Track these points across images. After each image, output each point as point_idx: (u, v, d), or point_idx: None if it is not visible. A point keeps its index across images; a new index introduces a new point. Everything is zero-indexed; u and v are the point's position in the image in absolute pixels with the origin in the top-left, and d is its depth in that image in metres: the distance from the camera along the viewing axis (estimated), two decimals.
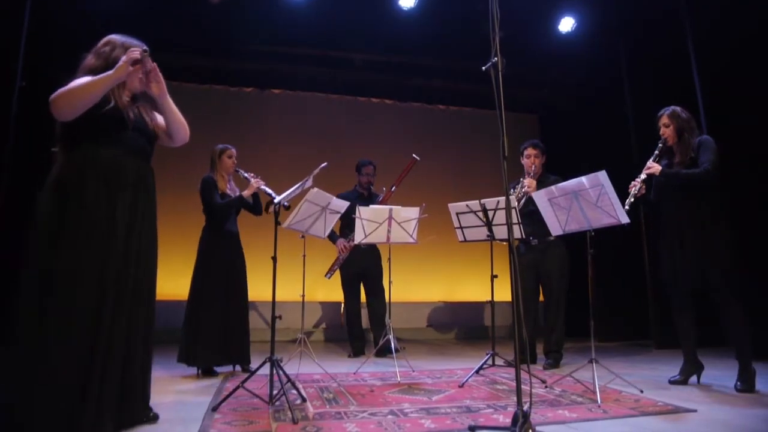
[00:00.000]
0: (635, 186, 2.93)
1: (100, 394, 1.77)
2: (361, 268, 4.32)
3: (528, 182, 3.58)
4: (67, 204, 1.81)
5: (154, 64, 1.97)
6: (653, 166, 2.93)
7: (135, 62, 1.89)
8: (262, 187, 3.37)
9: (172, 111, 2.09)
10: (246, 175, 3.45)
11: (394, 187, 4.28)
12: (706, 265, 2.81)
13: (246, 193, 3.43)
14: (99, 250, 1.82)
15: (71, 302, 1.76)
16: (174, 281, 5.20)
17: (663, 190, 3.01)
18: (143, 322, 1.97)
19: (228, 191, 3.51)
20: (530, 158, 3.73)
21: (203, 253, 3.41)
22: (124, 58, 1.86)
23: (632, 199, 2.88)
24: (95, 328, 1.78)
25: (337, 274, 4.41)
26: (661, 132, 3.01)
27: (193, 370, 3.37)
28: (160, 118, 2.13)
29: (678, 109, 3.01)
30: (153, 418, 2.07)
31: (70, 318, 1.75)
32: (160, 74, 2.00)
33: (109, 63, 1.93)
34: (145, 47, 1.94)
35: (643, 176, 2.94)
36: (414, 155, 4.18)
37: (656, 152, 2.99)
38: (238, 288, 3.43)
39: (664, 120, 3.01)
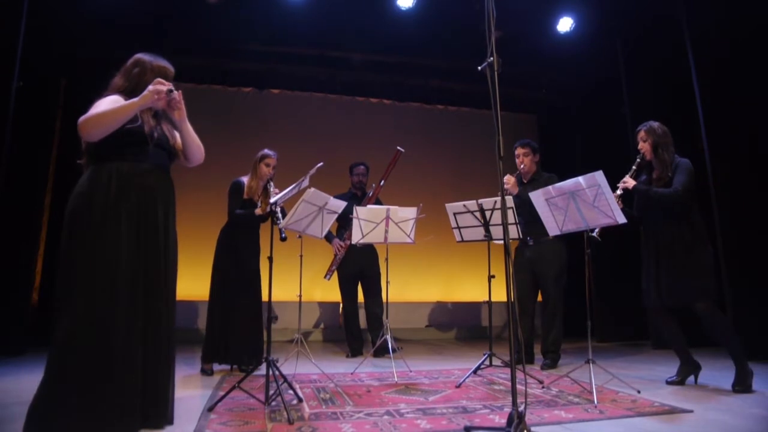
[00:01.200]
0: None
1: (122, 394, 1.80)
2: (358, 268, 4.33)
3: (507, 179, 3.52)
4: (92, 216, 1.87)
5: (179, 93, 2.01)
6: (628, 182, 2.98)
7: (159, 93, 1.94)
8: (276, 210, 3.30)
9: (190, 135, 2.14)
10: (271, 190, 3.27)
11: (382, 181, 4.28)
12: (683, 286, 2.82)
13: (257, 211, 3.40)
14: (122, 259, 1.87)
15: (94, 308, 1.80)
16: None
17: (645, 208, 3.03)
18: (167, 327, 2.00)
19: (254, 200, 3.46)
20: (519, 157, 3.78)
21: (220, 253, 3.45)
22: (150, 87, 1.92)
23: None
24: (126, 335, 1.83)
25: (336, 275, 4.41)
26: (639, 147, 3.07)
27: (194, 370, 3.38)
28: (179, 138, 2.19)
29: (655, 124, 3.05)
30: None
31: (92, 321, 1.79)
32: (182, 102, 2.05)
33: (138, 86, 2.00)
34: (172, 88, 1.99)
35: (618, 191, 2.96)
36: (398, 147, 4.17)
37: (633, 167, 3.04)
38: (253, 288, 3.43)
39: (642, 135, 3.06)
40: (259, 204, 3.46)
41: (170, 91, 1.97)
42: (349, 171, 4.56)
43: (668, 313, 2.97)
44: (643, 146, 3.04)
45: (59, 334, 1.78)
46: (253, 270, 3.46)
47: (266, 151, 3.51)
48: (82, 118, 1.87)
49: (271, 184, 3.34)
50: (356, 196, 4.41)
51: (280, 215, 2.82)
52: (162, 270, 1.99)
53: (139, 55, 2.12)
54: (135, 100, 1.91)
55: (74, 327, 1.77)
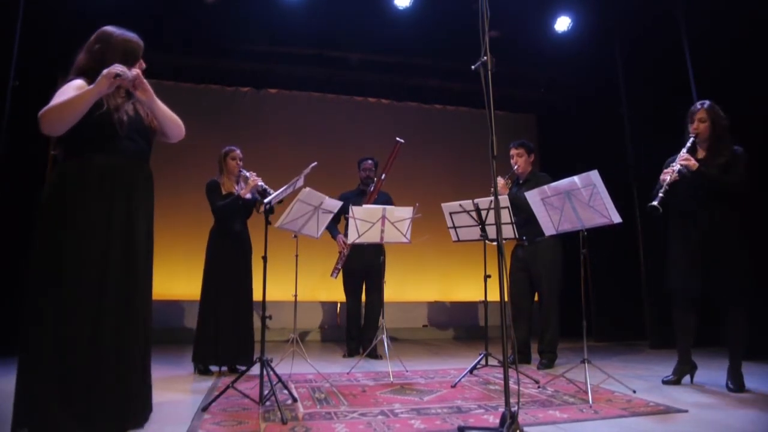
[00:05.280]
0: (669, 174, 2.71)
1: (98, 395, 1.78)
2: (364, 265, 4.23)
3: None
4: (64, 209, 1.83)
5: (137, 71, 1.91)
6: (691, 159, 2.71)
7: (116, 76, 1.83)
8: (259, 183, 3.38)
9: (163, 113, 2.06)
10: (246, 174, 3.45)
11: (383, 175, 4.25)
12: (724, 272, 2.72)
13: (243, 192, 3.42)
14: (96, 253, 1.84)
15: (67, 305, 1.78)
16: (172, 281, 5.21)
17: (686, 188, 2.81)
18: (140, 325, 1.97)
19: (236, 191, 3.50)
20: (513, 158, 3.79)
21: (210, 254, 3.46)
22: (104, 72, 1.80)
23: (667, 187, 2.68)
24: (96, 330, 1.80)
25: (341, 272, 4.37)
26: (694, 126, 2.80)
27: (190, 370, 3.37)
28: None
29: (716, 106, 2.81)
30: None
31: (66, 320, 1.77)
32: (145, 81, 1.94)
33: (102, 66, 1.87)
34: (137, 51, 1.88)
35: (677, 167, 2.72)
36: (398, 139, 4.15)
37: (688, 144, 2.77)
38: (242, 289, 3.43)
39: (701, 114, 2.79)
40: (239, 190, 3.48)
41: (117, 75, 1.81)
42: (357, 166, 4.51)
43: (693, 305, 2.87)
44: (701, 126, 2.77)
45: (33, 332, 1.76)
46: (244, 270, 3.46)
47: (228, 147, 3.59)
48: (42, 111, 1.77)
49: (243, 170, 3.47)
50: (364, 192, 4.38)
51: (265, 186, 3.16)
52: (135, 269, 1.94)
53: (103, 29, 1.99)
54: (91, 87, 1.80)
55: (47, 327, 1.75)
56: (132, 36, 2.02)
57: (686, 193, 2.82)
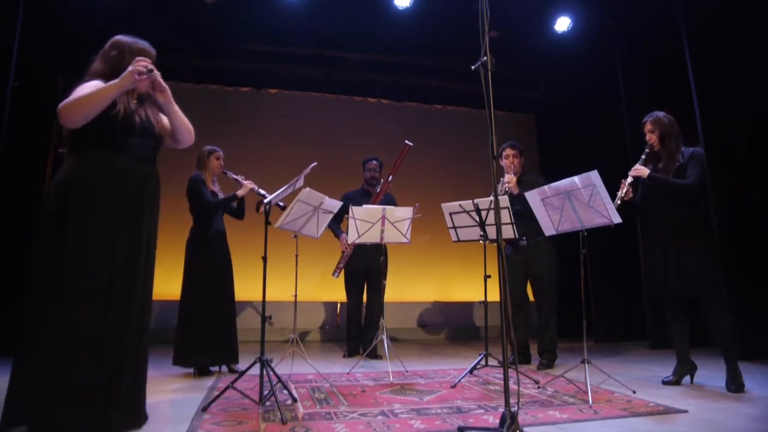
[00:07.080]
0: (622, 188, 2.95)
1: (105, 396, 1.79)
2: (366, 265, 4.22)
3: (508, 178, 3.59)
4: (71, 208, 1.83)
5: (157, 74, 1.95)
6: (640, 169, 2.95)
7: (140, 74, 1.88)
8: (255, 188, 3.38)
9: (177, 116, 2.09)
10: (235, 176, 3.45)
11: (390, 177, 4.25)
12: (693, 273, 2.82)
13: (240, 192, 3.44)
14: (101, 254, 1.84)
15: (73, 305, 1.77)
16: (172, 281, 5.20)
17: (651, 195, 3.02)
18: (141, 325, 1.97)
19: (215, 191, 3.53)
20: (509, 158, 3.76)
21: (191, 254, 3.43)
22: (130, 68, 1.85)
23: (619, 202, 2.88)
24: (98, 330, 1.80)
25: (343, 272, 4.37)
26: (647, 138, 3.05)
27: (189, 370, 3.37)
28: (165, 120, 2.14)
29: (661, 114, 3.04)
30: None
31: (72, 320, 1.77)
32: (164, 83, 1.99)
33: (117, 70, 1.92)
34: (151, 59, 1.92)
35: (629, 179, 2.95)
36: (407, 141, 4.15)
37: (643, 157, 3.02)
38: (226, 287, 3.43)
39: (648, 126, 3.04)
40: (219, 195, 3.52)
41: (150, 70, 1.89)
42: (361, 166, 4.50)
43: (682, 308, 2.95)
44: (651, 137, 3.02)
45: (37, 332, 1.75)
46: (225, 269, 3.47)
47: (211, 146, 3.58)
48: (61, 104, 1.81)
49: (229, 172, 3.48)
50: (368, 193, 4.37)
51: (262, 191, 3.14)
52: (142, 270, 1.95)
53: (117, 37, 2.04)
54: (115, 81, 1.84)
55: (52, 328, 1.75)
56: (145, 44, 2.08)
57: (654, 196, 3.00)
